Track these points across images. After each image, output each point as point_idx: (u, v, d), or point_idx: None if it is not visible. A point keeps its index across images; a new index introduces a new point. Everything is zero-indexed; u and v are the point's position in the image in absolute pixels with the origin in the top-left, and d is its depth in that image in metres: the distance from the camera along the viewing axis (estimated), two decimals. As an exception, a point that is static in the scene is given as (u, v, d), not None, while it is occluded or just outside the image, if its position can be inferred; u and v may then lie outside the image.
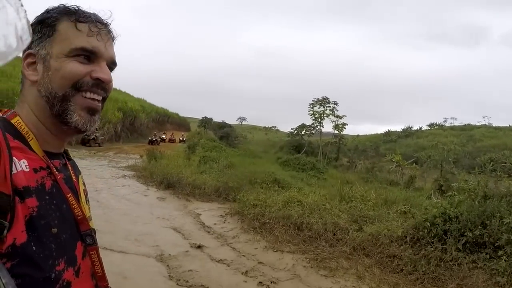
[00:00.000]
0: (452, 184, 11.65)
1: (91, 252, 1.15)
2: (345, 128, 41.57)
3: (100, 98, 1.15)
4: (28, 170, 0.97)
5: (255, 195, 10.97)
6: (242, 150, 30.84)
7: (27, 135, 1.04)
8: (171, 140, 43.80)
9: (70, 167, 1.21)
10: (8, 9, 0.62)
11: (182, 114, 75.33)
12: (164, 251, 7.14)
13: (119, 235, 7.86)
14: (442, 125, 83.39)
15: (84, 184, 1.29)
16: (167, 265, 6.50)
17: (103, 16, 1.16)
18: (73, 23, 1.09)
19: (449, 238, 6.64)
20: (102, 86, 1.14)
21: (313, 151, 38.54)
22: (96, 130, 30.66)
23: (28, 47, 1.07)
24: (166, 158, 20.76)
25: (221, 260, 6.98)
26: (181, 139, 43.84)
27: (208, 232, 8.82)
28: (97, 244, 1.17)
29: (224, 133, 40.48)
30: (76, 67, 1.07)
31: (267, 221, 8.86)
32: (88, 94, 1.10)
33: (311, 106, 41.49)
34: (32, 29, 1.00)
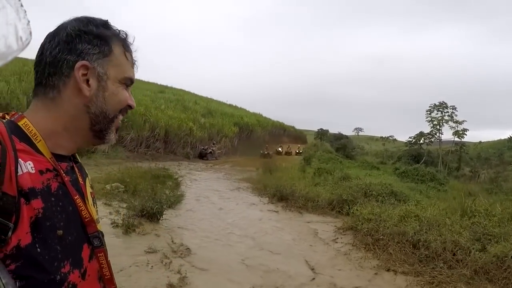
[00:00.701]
0: None
1: (98, 255, 1.15)
2: (466, 135, 39.69)
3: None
4: (34, 171, 0.98)
5: (369, 208, 10.47)
6: (359, 161, 30.24)
7: (34, 137, 1.04)
8: (287, 153, 43.80)
9: (77, 170, 1.22)
10: (8, 9, 0.64)
11: (298, 126, 75.54)
12: (272, 269, 6.99)
13: (227, 252, 7.87)
14: None
15: (91, 187, 1.29)
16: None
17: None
18: (123, 51, 1.16)
19: None
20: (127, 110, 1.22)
21: (432, 161, 36.94)
22: (213, 144, 31.71)
23: (82, 58, 1.08)
24: (280, 171, 20.83)
25: (330, 280, 6.69)
26: (297, 151, 43.78)
27: (317, 247, 8.55)
28: (104, 246, 1.18)
29: (341, 145, 40.34)
30: (126, 96, 1.18)
31: (381, 237, 8.39)
32: (120, 117, 1.20)
33: (429, 112, 40.05)
34: (90, 41, 1.09)
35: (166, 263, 6.45)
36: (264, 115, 60.27)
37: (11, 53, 0.65)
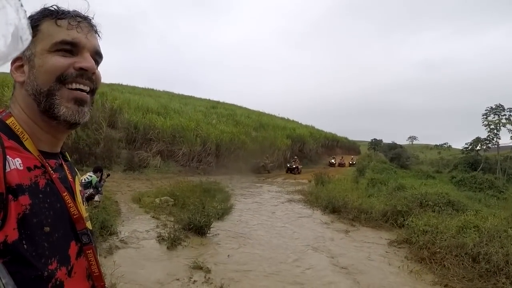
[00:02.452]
0: None
1: (87, 252, 1.15)
2: (526, 138, 37.80)
3: (87, 88, 1.14)
4: (22, 168, 0.98)
5: (425, 219, 10.01)
6: (414, 171, 29.50)
7: (21, 135, 1.06)
8: (341, 164, 43.50)
9: (66, 168, 1.22)
10: (8, 9, 0.64)
11: (351, 137, 74.45)
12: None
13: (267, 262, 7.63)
14: None
15: (80, 185, 1.29)
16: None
17: (84, 12, 1.17)
18: (53, 21, 1.11)
19: None
20: (87, 76, 1.13)
21: (490, 168, 35.34)
22: (266, 157, 31.58)
23: None
24: (333, 182, 20.60)
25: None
26: (350, 162, 43.44)
27: (370, 262, 8.15)
28: (93, 244, 1.17)
29: (395, 154, 39.39)
30: (58, 60, 1.08)
31: (438, 250, 7.94)
32: (73, 85, 1.11)
33: (485, 116, 38.51)
34: None
35: (209, 278, 6.32)
36: (316, 127, 59.97)
37: (10, 53, 0.64)
